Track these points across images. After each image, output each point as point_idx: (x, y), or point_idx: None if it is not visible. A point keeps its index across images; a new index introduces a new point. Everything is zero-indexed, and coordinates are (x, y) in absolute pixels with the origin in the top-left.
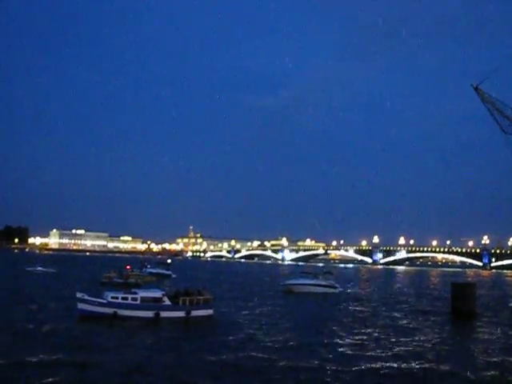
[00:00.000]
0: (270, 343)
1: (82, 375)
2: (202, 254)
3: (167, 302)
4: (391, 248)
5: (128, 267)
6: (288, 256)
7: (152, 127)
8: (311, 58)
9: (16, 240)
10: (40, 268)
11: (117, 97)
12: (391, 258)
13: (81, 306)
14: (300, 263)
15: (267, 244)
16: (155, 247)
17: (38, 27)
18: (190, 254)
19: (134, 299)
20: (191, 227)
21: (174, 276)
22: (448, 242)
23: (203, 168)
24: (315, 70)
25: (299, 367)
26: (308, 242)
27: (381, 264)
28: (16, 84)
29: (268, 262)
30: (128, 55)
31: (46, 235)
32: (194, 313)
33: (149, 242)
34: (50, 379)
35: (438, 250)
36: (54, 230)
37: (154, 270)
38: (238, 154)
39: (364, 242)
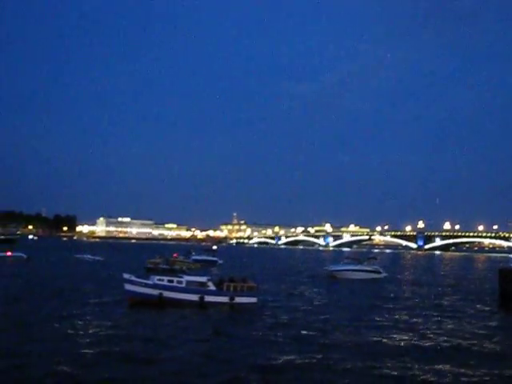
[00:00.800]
0: (315, 327)
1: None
2: (245, 241)
3: (212, 287)
4: (435, 233)
5: (175, 255)
6: (331, 242)
7: (195, 116)
8: (353, 42)
9: (65, 228)
10: (88, 255)
11: (160, 85)
12: (435, 244)
13: (127, 287)
14: (344, 249)
15: (311, 230)
16: (199, 234)
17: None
18: (233, 240)
19: (180, 282)
20: (235, 214)
21: (220, 262)
22: (495, 227)
23: (247, 155)
24: (357, 54)
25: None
26: (352, 228)
27: (426, 250)
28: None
29: (312, 248)
30: (162, 42)
31: (94, 223)
32: (238, 299)
33: (193, 229)
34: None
35: (484, 235)
36: (101, 219)
37: (199, 257)
38: (280, 140)
39: (408, 228)
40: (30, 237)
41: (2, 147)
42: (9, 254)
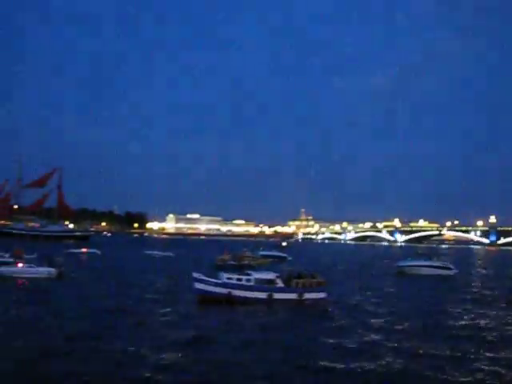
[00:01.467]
0: (384, 327)
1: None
2: (313, 237)
3: (280, 284)
4: (510, 228)
5: (245, 251)
6: (400, 237)
7: (260, 115)
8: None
9: (135, 225)
10: (158, 252)
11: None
12: (510, 239)
13: (197, 285)
14: (413, 244)
15: (379, 225)
16: (267, 230)
17: None
18: (301, 236)
19: (248, 280)
20: (303, 210)
21: (289, 258)
22: None
23: (312, 151)
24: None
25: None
26: (421, 223)
27: (498, 245)
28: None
29: (380, 243)
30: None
31: (163, 220)
32: (307, 295)
33: (261, 225)
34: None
35: None
36: (171, 215)
37: (268, 253)
38: (346, 135)
39: (480, 222)
40: (104, 233)
41: (76, 149)
42: (84, 250)
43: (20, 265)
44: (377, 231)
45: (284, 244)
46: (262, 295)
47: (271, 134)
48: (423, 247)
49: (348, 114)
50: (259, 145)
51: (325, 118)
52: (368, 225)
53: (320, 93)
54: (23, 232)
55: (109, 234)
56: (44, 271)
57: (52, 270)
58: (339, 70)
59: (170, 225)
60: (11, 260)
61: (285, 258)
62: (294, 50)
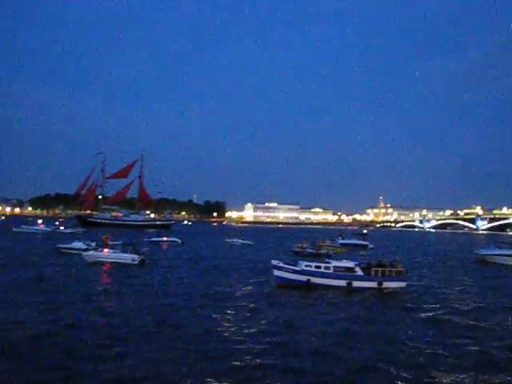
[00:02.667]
0: (471, 319)
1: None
2: (392, 224)
3: (359, 272)
4: None
5: (329, 240)
6: (482, 225)
7: (342, 103)
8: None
9: (214, 214)
10: (238, 240)
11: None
12: None
13: (276, 272)
14: (496, 232)
15: (460, 213)
16: (346, 218)
17: None
18: (379, 224)
19: (327, 268)
20: (381, 197)
21: (371, 246)
22: None
23: (392, 137)
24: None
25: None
26: (505, 211)
27: None
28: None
29: (461, 231)
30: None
31: (242, 209)
32: (386, 284)
33: (339, 213)
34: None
35: None
36: (249, 204)
37: (347, 241)
38: (423, 121)
39: None
40: (185, 222)
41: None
42: (165, 238)
43: (106, 250)
44: (458, 219)
45: (365, 232)
46: (341, 283)
47: (350, 121)
48: (507, 236)
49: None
50: (336, 132)
51: (404, 100)
52: (448, 212)
53: (400, 76)
54: (107, 221)
55: (189, 223)
56: (128, 257)
57: (136, 256)
58: None
59: (249, 213)
60: (95, 248)
61: (366, 246)
62: None
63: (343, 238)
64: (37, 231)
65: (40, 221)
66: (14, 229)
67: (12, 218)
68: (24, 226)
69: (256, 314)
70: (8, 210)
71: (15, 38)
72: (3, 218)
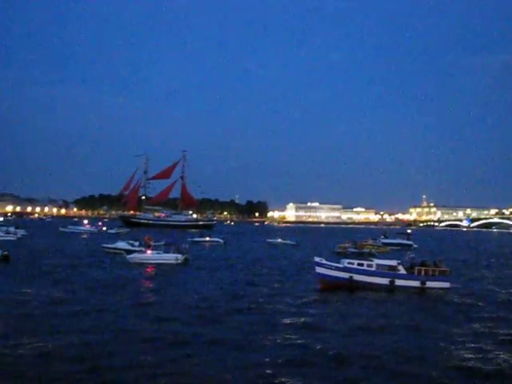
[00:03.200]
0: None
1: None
2: (435, 224)
3: (402, 270)
4: None
5: (372, 240)
6: None
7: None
8: None
9: (256, 214)
10: (280, 240)
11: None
12: None
13: (319, 269)
14: None
15: (506, 212)
16: (388, 218)
17: None
18: (423, 223)
19: (370, 266)
20: (424, 196)
21: (415, 246)
22: None
23: (435, 137)
24: None
25: None
26: None
27: None
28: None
29: (506, 230)
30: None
31: (283, 209)
32: (430, 284)
33: (381, 213)
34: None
35: None
36: (291, 204)
37: (391, 241)
38: (466, 118)
39: None
40: (228, 222)
41: (198, 141)
42: (208, 239)
43: (149, 252)
44: (503, 218)
45: (409, 231)
46: (384, 281)
47: (389, 119)
48: None
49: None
50: (377, 130)
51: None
52: (493, 211)
53: (431, 71)
54: (150, 222)
55: (232, 223)
56: (171, 257)
57: (179, 256)
58: None
59: (290, 213)
60: (140, 248)
61: (410, 245)
62: None
63: (387, 238)
64: (83, 231)
65: (86, 221)
66: (60, 229)
67: (58, 218)
68: (71, 227)
69: (289, 311)
70: (54, 210)
71: (74, 44)
72: (50, 218)
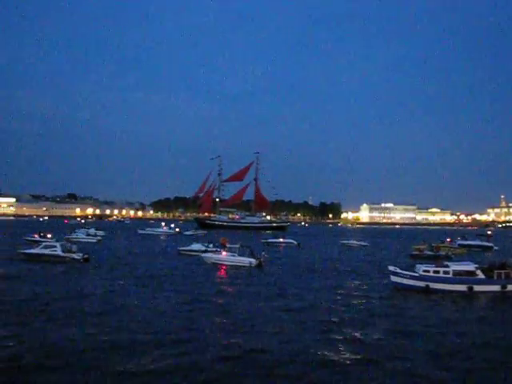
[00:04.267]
0: None
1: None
2: None
3: (481, 275)
4: None
5: (448, 240)
6: None
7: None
8: None
9: (330, 215)
10: (353, 241)
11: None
12: None
13: (393, 278)
14: None
15: None
16: (464, 218)
17: None
18: (501, 224)
19: (446, 272)
20: (502, 196)
21: (495, 248)
22: None
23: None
24: None
25: None
26: None
27: None
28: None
29: None
30: None
31: (357, 210)
32: (511, 287)
33: (458, 214)
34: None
35: None
36: (365, 205)
37: (468, 242)
38: None
39: None
40: (302, 223)
41: (271, 143)
42: (281, 240)
43: (224, 253)
44: None
45: (489, 233)
46: (462, 288)
47: (472, 118)
48: None
49: None
50: (452, 129)
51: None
52: None
53: None
54: (224, 223)
55: (306, 225)
56: (245, 260)
57: (253, 260)
58: None
59: (364, 214)
60: (215, 249)
61: (490, 247)
62: None
63: (466, 239)
64: (160, 233)
65: (163, 223)
66: (139, 231)
67: (135, 220)
68: (148, 229)
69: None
70: (131, 213)
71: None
72: (128, 220)
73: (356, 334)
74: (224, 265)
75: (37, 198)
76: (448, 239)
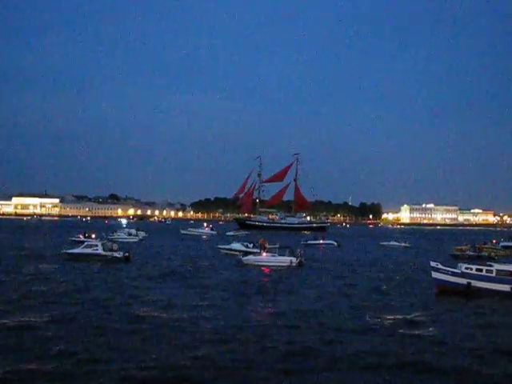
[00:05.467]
0: None
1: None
2: None
3: None
4: None
5: (494, 241)
6: None
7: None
8: None
9: (370, 216)
10: (394, 242)
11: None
12: None
13: (435, 274)
14: None
15: None
16: (508, 219)
17: None
18: None
19: (489, 271)
20: None
21: None
22: None
23: None
24: None
25: None
26: None
27: None
28: None
29: None
30: None
31: (398, 210)
32: None
33: (501, 214)
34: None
35: None
36: (405, 205)
37: (510, 243)
38: None
39: None
40: (343, 224)
41: (311, 143)
42: (321, 241)
43: (264, 254)
44: None
45: None
46: (505, 288)
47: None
48: None
49: None
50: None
51: None
52: None
53: None
54: (264, 224)
55: (347, 225)
56: (286, 260)
57: (293, 259)
58: None
59: (405, 215)
60: (255, 250)
61: None
62: None
63: (502, 240)
64: (203, 233)
65: (205, 224)
66: (181, 231)
67: (176, 220)
68: (191, 229)
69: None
70: (172, 213)
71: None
72: (170, 220)
73: None
74: (265, 266)
75: (80, 199)
76: (493, 241)
